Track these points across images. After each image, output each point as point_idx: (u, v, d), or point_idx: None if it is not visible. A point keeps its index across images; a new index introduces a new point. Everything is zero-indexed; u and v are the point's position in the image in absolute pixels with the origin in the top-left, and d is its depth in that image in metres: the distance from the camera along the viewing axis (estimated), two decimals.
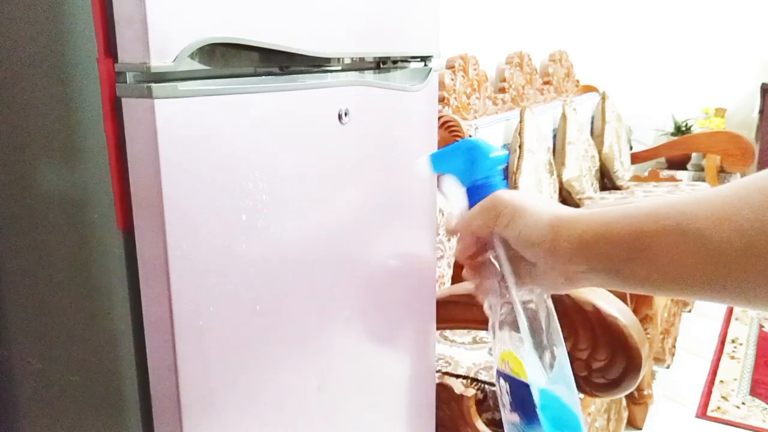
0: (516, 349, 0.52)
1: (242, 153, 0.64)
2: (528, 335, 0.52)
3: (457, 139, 1.87)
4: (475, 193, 0.54)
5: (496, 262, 0.52)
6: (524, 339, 0.52)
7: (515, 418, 0.54)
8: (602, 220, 0.45)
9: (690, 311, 2.73)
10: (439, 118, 1.88)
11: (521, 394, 0.52)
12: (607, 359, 1.02)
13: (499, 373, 0.56)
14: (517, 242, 0.49)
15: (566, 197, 2.55)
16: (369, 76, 0.86)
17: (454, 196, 0.55)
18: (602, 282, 0.47)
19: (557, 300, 1.07)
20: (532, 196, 0.49)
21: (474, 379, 1.30)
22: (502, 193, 0.51)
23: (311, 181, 0.74)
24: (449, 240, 1.58)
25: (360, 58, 0.85)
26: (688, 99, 3.56)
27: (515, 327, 0.53)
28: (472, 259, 0.54)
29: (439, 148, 0.57)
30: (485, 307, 0.55)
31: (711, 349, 2.48)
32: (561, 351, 0.54)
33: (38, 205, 0.64)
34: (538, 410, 0.50)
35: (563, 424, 0.52)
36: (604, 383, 1.03)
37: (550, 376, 0.53)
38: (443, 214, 1.65)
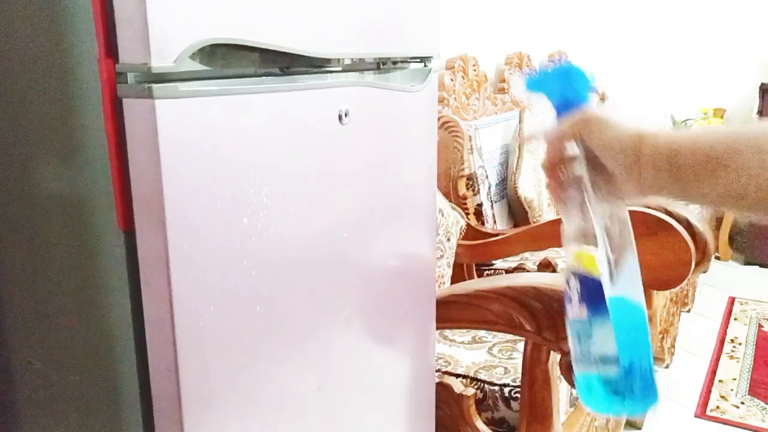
0: (590, 251, 0.57)
1: (242, 153, 0.64)
2: (602, 239, 0.55)
3: (457, 139, 1.87)
4: (565, 109, 0.58)
5: (578, 172, 0.55)
6: (599, 243, 0.55)
7: (583, 313, 0.58)
8: (687, 134, 0.49)
9: (689, 311, 2.73)
10: (439, 118, 1.88)
11: (592, 289, 0.56)
12: None
13: (572, 273, 0.60)
14: (602, 150, 0.52)
15: None
16: (369, 76, 0.87)
17: (543, 113, 0.60)
18: (677, 193, 0.50)
19: (557, 299, 1.07)
20: (616, 111, 0.53)
21: (474, 379, 1.30)
22: (592, 108, 0.55)
23: (311, 181, 0.74)
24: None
25: (360, 59, 0.85)
26: (688, 99, 3.56)
27: (591, 233, 0.56)
28: (557, 167, 0.57)
29: (534, 75, 0.62)
30: (562, 216, 0.59)
31: (710, 348, 2.49)
32: (632, 256, 0.58)
33: (38, 205, 0.64)
34: (607, 302, 0.54)
35: (628, 318, 0.56)
36: None
37: (620, 277, 0.56)
38: (443, 214, 1.65)
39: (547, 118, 0.59)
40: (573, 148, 0.56)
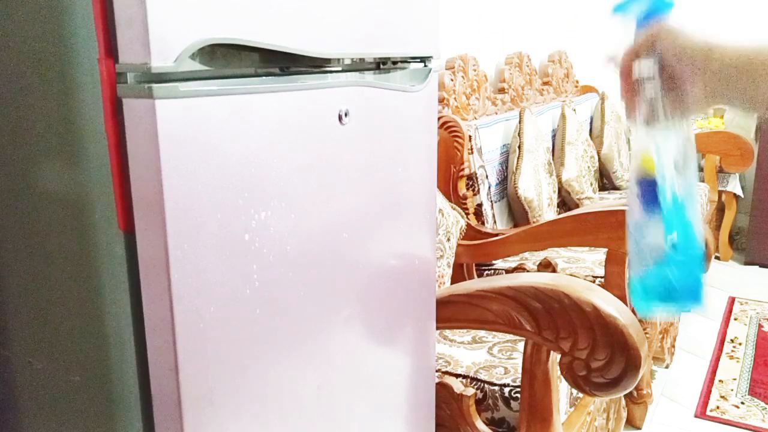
0: (653, 156, 0.61)
1: (242, 153, 0.64)
2: (667, 148, 0.60)
3: (457, 139, 1.87)
4: (644, 23, 0.63)
5: (650, 80, 0.59)
6: (663, 151, 0.60)
7: (641, 215, 0.63)
8: (752, 44, 0.52)
9: (689, 311, 2.73)
10: (439, 118, 1.88)
11: (652, 191, 0.61)
12: (606, 359, 1.02)
13: (635, 181, 0.64)
14: (674, 57, 0.56)
15: (565, 197, 2.56)
16: (369, 76, 0.87)
17: (628, 28, 0.64)
18: (741, 99, 0.54)
19: (557, 299, 1.07)
20: (690, 24, 0.57)
21: (474, 379, 1.30)
22: (667, 20, 0.59)
23: (311, 181, 0.74)
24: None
25: (360, 59, 0.85)
26: None
27: (658, 137, 0.61)
28: (629, 75, 0.61)
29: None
30: (633, 122, 0.62)
31: (710, 348, 2.49)
32: (693, 170, 0.63)
33: (38, 205, 0.64)
34: (667, 200, 0.60)
35: (681, 221, 0.60)
36: (603, 383, 1.04)
37: (682, 186, 0.61)
38: (443, 214, 1.65)
39: (626, 39, 0.64)
40: (647, 61, 0.60)
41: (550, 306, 1.07)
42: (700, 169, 3.34)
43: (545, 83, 2.96)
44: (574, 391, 1.39)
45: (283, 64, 0.72)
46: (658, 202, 0.62)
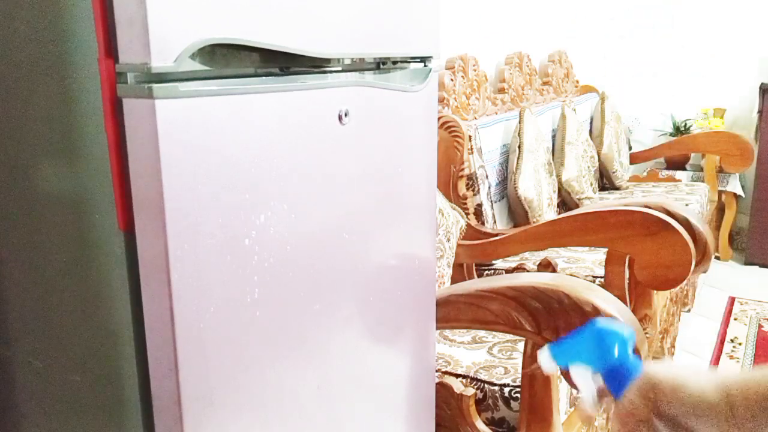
0: None
1: (242, 153, 0.64)
2: None
3: (457, 139, 1.87)
4: (613, 377, 0.52)
5: None
6: None
7: None
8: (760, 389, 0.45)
9: (689, 311, 2.73)
10: (439, 118, 1.88)
11: None
12: None
13: None
14: (686, 415, 0.48)
15: (565, 197, 2.56)
16: (369, 76, 0.87)
17: (585, 382, 0.53)
18: None
19: (557, 299, 1.07)
20: (684, 367, 0.48)
21: (473, 379, 1.30)
22: (653, 371, 0.49)
23: (311, 181, 0.74)
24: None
25: (360, 59, 0.85)
26: (687, 99, 3.56)
27: None
28: None
29: (559, 339, 0.55)
30: None
31: (710, 348, 2.49)
32: None
33: (38, 205, 0.64)
34: None
35: None
36: None
37: None
38: (443, 214, 1.65)
39: (588, 389, 0.53)
40: (650, 421, 0.50)
41: (550, 306, 1.07)
42: (701, 169, 3.34)
43: (545, 83, 2.96)
44: (574, 391, 1.39)
45: (283, 64, 0.72)
46: None
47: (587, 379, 0.54)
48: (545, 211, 2.27)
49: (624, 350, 0.52)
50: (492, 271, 1.98)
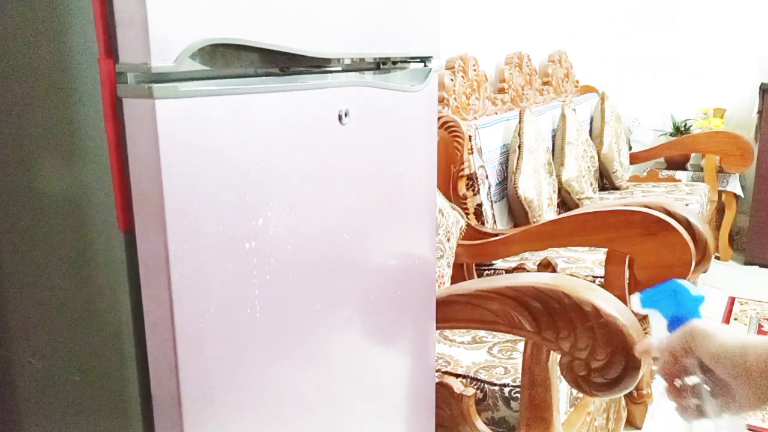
0: None
1: (242, 153, 0.64)
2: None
3: (457, 139, 1.87)
4: (676, 324, 0.63)
5: (693, 382, 0.59)
6: None
7: None
8: None
9: None
10: (439, 118, 1.88)
11: None
12: (606, 359, 1.02)
13: None
14: (711, 360, 0.57)
15: (565, 197, 2.56)
16: (369, 76, 0.87)
17: (657, 326, 0.65)
18: None
19: (557, 299, 1.07)
20: (722, 325, 0.57)
21: (474, 378, 1.30)
22: (698, 322, 0.60)
23: (311, 181, 0.74)
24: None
25: (360, 59, 0.85)
26: (687, 99, 3.56)
27: None
28: (672, 378, 0.62)
29: (647, 289, 0.68)
30: (685, 419, 0.62)
31: None
32: None
33: (38, 205, 0.64)
34: None
35: None
36: (603, 383, 1.04)
37: None
38: (443, 214, 1.65)
39: (659, 332, 0.64)
40: (690, 363, 0.60)
41: (550, 306, 1.07)
42: (701, 169, 3.34)
43: (545, 83, 2.96)
44: (574, 391, 1.39)
45: (283, 64, 0.72)
46: None
47: (659, 324, 0.65)
48: (545, 211, 2.27)
49: (693, 307, 0.63)
50: (492, 271, 1.98)
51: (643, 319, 0.71)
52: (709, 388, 0.59)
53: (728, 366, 0.55)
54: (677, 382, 0.62)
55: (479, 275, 1.93)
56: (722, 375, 0.56)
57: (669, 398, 0.65)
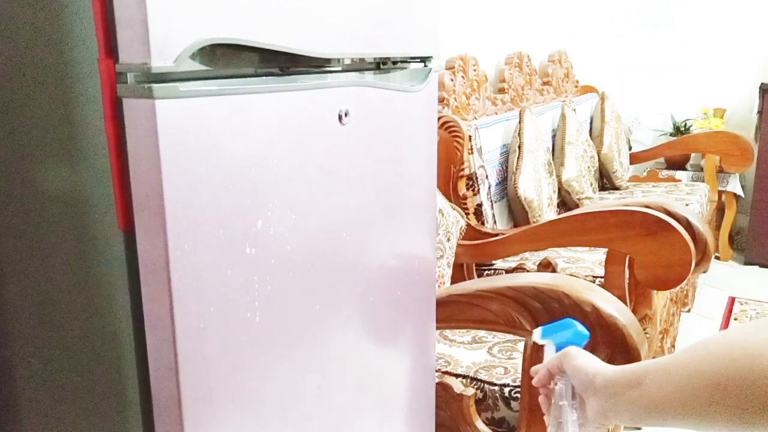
0: None
1: (242, 153, 0.64)
2: None
3: (457, 139, 1.87)
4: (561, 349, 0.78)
5: (561, 391, 0.73)
6: None
7: None
8: (621, 368, 0.66)
9: (689, 311, 2.73)
10: (439, 118, 1.88)
11: None
12: (606, 358, 1.02)
13: None
14: (572, 372, 0.71)
15: (565, 197, 2.56)
16: (369, 76, 0.87)
17: (549, 353, 0.79)
18: (618, 415, 0.66)
19: (557, 299, 1.07)
20: (589, 353, 0.73)
21: (473, 378, 1.30)
22: (573, 348, 0.74)
23: (311, 181, 0.74)
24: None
25: (360, 59, 0.85)
26: (687, 99, 3.56)
27: None
28: (545, 386, 0.76)
29: (547, 323, 0.83)
30: (551, 422, 0.75)
31: None
32: None
33: (38, 205, 0.64)
34: None
35: None
36: None
37: None
38: (443, 214, 1.65)
39: (549, 357, 0.78)
40: (559, 374, 0.74)
41: (550, 306, 1.07)
42: (701, 169, 3.34)
43: (545, 83, 2.96)
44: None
45: (283, 64, 0.72)
46: None
47: (551, 351, 0.79)
48: (545, 211, 2.27)
49: (579, 340, 0.79)
50: (492, 271, 1.98)
51: (540, 348, 0.85)
52: (571, 394, 0.72)
53: (583, 379, 0.69)
54: (549, 387, 0.75)
55: (479, 275, 1.93)
56: (577, 386, 0.71)
57: (542, 403, 0.77)
